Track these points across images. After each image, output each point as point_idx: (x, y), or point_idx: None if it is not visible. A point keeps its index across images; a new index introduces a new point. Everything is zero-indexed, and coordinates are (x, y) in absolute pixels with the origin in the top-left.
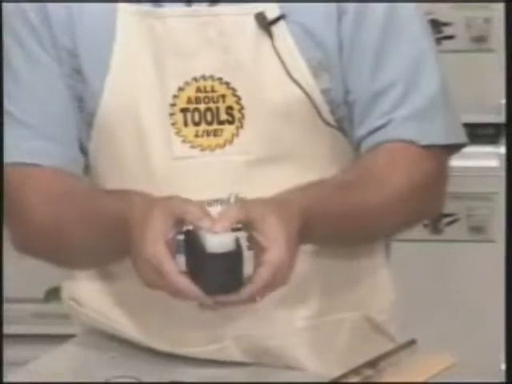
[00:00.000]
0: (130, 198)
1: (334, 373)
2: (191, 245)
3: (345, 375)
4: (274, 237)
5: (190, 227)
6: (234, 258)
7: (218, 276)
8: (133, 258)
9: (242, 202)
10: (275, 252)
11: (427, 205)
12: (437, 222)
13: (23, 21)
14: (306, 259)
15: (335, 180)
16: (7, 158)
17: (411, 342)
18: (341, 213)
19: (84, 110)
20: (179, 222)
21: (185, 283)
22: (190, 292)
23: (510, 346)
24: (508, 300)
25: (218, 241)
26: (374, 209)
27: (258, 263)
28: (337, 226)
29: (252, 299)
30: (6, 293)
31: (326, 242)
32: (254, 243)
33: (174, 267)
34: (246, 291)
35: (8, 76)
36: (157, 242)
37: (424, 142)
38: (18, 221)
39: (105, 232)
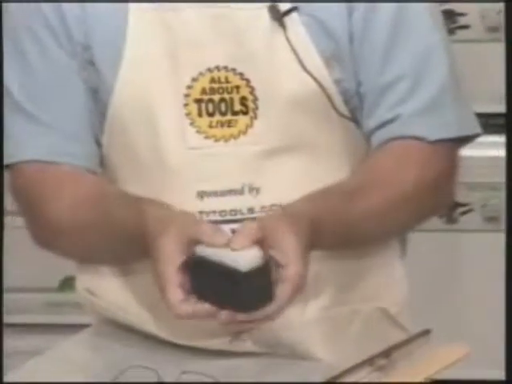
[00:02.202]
0: (147, 212)
1: (347, 363)
2: (204, 268)
3: (358, 365)
4: (292, 253)
5: (200, 253)
6: (264, 272)
7: (251, 292)
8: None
9: (257, 219)
10: (295, 268)
11: (438, 201)
12: (451, 212)
13: (39, 18)
14: (319, 253)
15: (342, 187)
16: (23, 155)
17: (425, 332)
18: (349, 220)
19: (99, 101)
20: (192, 242)
21: (187, 310)
22: (194, 317)
23: (510, 346)
24: (508, 301)
25: (245, 258)
26: (382, 213)
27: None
28: (346, 233)
29: (276, 316)
30: (21, 282)
31: (335, 248)
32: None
33: (179, 294)
34: (271, 309)
35: (24, 72)
36: (167, 264)
37: (433, 137)
38: (38, 219)
39: (121, 241)
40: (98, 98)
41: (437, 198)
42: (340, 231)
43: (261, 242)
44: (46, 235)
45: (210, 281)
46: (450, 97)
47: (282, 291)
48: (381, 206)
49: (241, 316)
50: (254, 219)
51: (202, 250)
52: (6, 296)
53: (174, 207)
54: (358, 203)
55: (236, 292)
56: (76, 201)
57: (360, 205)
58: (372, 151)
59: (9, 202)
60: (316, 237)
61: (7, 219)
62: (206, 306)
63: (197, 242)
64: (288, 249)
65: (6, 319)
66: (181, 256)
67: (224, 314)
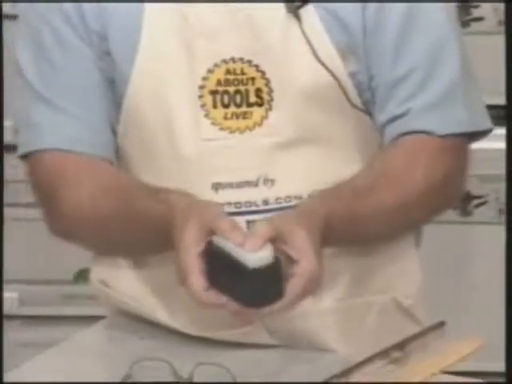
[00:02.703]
0: (170, 200)
1: (362, 355)
2: (218, 259)
3: (372, 357)
4: (304, 249)
5: (216, 243)
6: (274, 270)
7: (262, 289)
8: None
9: (270, 218)
10: (306, 264)
11: (447, 196)
12: (466, 204)
13: (56, 9)
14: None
15: (353, 184)
16: (42, 144)
17: (440, 325)
18: (360, 217)
19: (115, 92)
20: (212, 233)
21: (209, 298)
22: (214, 305)
23: (510, 346)
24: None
25: (256, 256)
26: (393, 211)
27: (287, 275)
28: (357, 230)
29: (284, 311)
30: (36, 275)
31: (346, 245)
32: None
33: (201, 281)
34: (279, 304)
35: (42, 63)
36: (189, 252)
37: (443, 132)
38: (57, 207)
39: (144, 231)
40: (115, 89)
41: (447, 193)
42: (351, 228)
43: (274, 239)
44: (64, 224)
45: (223, 272)
46: (460, 91)
47: (292, 286)
48: (392, 204)
49: (248, 310)
50: (266, 218)
51: (219, 241)
52: (21, 288)
53: (196, 197)
54: (368, 201)
55: (244, 287)
56: (96, 190)
57: (371, 202)
58: (384, 146)
59: (24, 194)
60: (328, 234)
61: (22, 211)
62: (219, 296)
63: (214, 233)
64: (301, 245)
65: (22, 311)
66: (201, 245)
67: (233, 305)
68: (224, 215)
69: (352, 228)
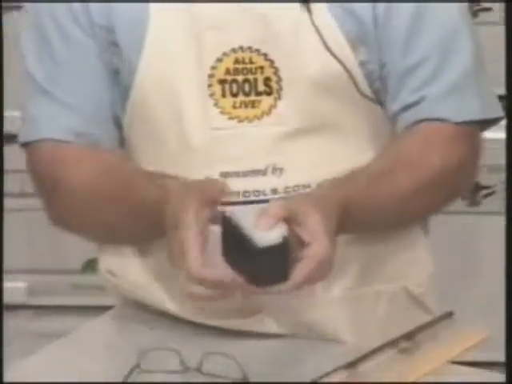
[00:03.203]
0: (166, 184)
1: (371, 345)
2: (230, 235)
3: (381, 347)
4: (317, 232)
5: (228, 214)
6: (281, 251)
7: (267, 269)
8: (167, 240)
9: (285, 198)
10: (317, 247)
11: (461, 183)
12: (474, 194)
13: (63, 5)
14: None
15: (368, 170)
16: (42, 134)
17: (448, 315)
18: (375, 203)
19: (120, 83)
20: (213, 204)
21: (206, 274)
22: (212, 282)
23: (510, 345)
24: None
25: (266, 234)
26: (408, 196)
27: (297, 257)
28: (372, 217)
29: (289, 292)
30: (45, 265)
31: (361, 232)
32: (293, 238)
33: (199, 258)
34: (285, 286)
35: (44, 54)
36: (188, 230)
37: (458, 120)
38: (55, 197)
39: (140, 215)
40: (120, 80)
41: (460, 179)
42: (366, 215)
43: (287, 220)
44: (63, 208)
45: (233, 247)
46: (473, 79)
47: (300, 269)
48: (407, 190)
49: (253, 288)
50: (282, 198)
51: (234, 215)
52: (30, 278)
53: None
54: (384, 187)
55: (250, 265)
56: (96, 172)
57: (386, 188)
58: (397, 134)
59: (30, 183)
60: (342, 220)
61: (31, 201)
62: (226, 270)
63: (216, 203)
64: (314, 227)
65: (31, 301)
66: (201, 222)
67: (237, 280)
68: (224, 186)
69: (368, 214)
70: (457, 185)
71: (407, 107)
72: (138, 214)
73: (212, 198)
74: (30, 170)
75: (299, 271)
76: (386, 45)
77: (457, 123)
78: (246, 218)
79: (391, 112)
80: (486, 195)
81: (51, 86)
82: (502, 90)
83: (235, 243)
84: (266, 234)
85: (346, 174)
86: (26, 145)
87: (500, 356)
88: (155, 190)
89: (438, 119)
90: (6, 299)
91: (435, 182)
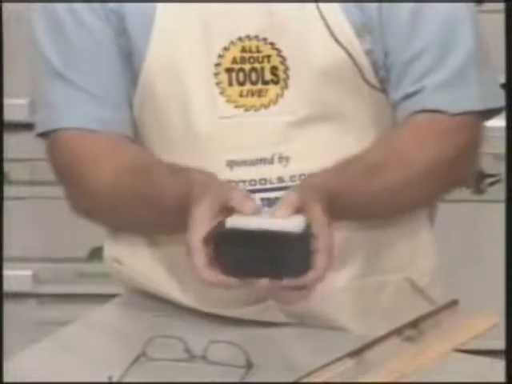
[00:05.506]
0: (191, 176)
1: (376, 334)
2: (235, 239)
3: (386, 336)
4: (322, 223)
5: (231, 225)
6: (306, 239)
7: (291, 259)
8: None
9: (295, 189)
10: (326, 238)
11: (459, 175)
12: (479, 182)
13: None
14: (347, 223)
15: (362, 161)
16: (62, 123)
17: (453, 303)
18: (367, 195)
19: (132, 66)
20: (224, 210)
21: (212, 277)
22: (216, 284)
23: (510, 343)
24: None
25: (293, 223)
26: (401, 188)
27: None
28: (364, 207)
29: (315, 285)
30: (51, 253)
31: (353, 221)
32: None
33: (203, 260)
34: (311, 277)
35: (60, 40)
36: (195, 231)
37: (457, 110)
38: (78, 185)
39: (164, 210)
40: (132, 64)
41: (458, 170)
42: (358, 206)
43: (301, 211)
44: (87, 202)
45: (242, 252)
46: (475, 69)
47: (318, 261)
48: (400, 182)
49: (285, 282)
50: (288, 188)
51: (234, 221)
52: (36, 266)
53: (217, 176)
54: (377, 179)
55: (278, 258)
56: (118, 167)
57: (379, 180)
58: (396, 124)
59: (40, 172)
60: (332, 209)
61: (38, 189)
62: (230, 279)
63: (228, 210)
64: (318, 218)
65: (36, 289)
66: (209, 224)
67: (265, 282)
68: (236, 188)
69: (359, 205)
70: (454, 176)
71: (407, 97)
72: (162, 208)
73: (222, 203)
74: (50, 160)
75: (317, 264)
76: (390, 34)
77: (454, 114)
78: (248, 220)
79: (393, 101)
80: (491, 183)
81: (68, 72)
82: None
83: (242, 248)
84: (292, 223)
85: (339, 163)
86: (44, 134)
87: (502, 344)
88: (179, 184)
89: (435, 110)
90: (12, 287)
91: (429, 174)
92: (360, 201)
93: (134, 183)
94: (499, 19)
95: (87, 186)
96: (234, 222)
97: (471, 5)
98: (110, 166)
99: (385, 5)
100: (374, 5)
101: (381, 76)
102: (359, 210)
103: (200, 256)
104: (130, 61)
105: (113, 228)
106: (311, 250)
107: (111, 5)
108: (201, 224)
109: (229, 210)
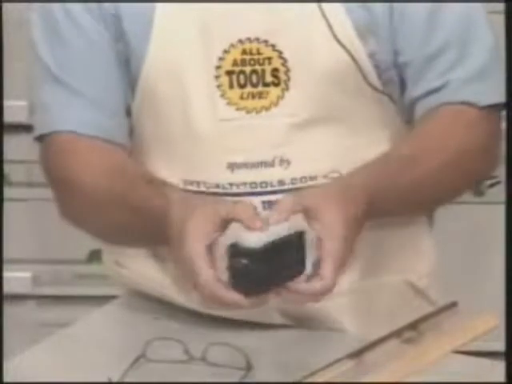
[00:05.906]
0: (169, 194)
1: (375, 335)
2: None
3: (386, 337)
4: (331, 227)
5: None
6: (292, 242)
7: (283, 263)
8: (172, 254)
9: (300, 191)
10: (330, 244)
11: (487, 165)
12: (479, 184)
13: None
14: None
15: (395, 153)
16: (56, 126)
17: (452, 305)
18: (403, 188)
19: (130, 71)
20: (225, 223)
21: (221, 290)
22: (227, 299)
23: (510, 345)
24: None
25: (275, 229)
26: (435, 179)
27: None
28: (400, 201)
29: (325, 293)
30: (51, 254)
31: (388, 217)
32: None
33: (212, 273)
34: (317, 288)
35: (58, 45)
36: (196, 243)
37: (483, 103)
38: (67, 190)
39: (141, 219)
40: (130, 69)
41: (486, 161)
42: (395, 200)
43: (306, 212)
44: (74, 207)
45: (249, 268)
46: (496, 63)
47: (324, 269)
48: (434, 173)
49: (293, 295)
50: (288, 192)
51: (235, 236)
52: (35, 268)
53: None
54: (411, 171)
55: (266, 264)
56: (101, 171)
57: (414, 172)
58: (420, 118)
59: (38, 174)
60: (371, 207)
61: (36, 191)
62: (243, 298)
63: (229, 221)
64: (326, 222)
65: (35, 291)
66: (211, 237)
67: (284, 292)
68: (241, 202)
69: (396, 199)
70: (482, 166)
71: (431, 92)
72: (140, 217)
73: (224, 215)
74: (42, 165)
75: (325, 269)
76: (403, 32)
77: (481, 107)
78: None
79: (411, 98)
80: (491, 185)
81: (64, 75)
82: None
83: (250, 267)
84: (275, 228)
85: (373, 160)
86: (39, 138)
87: (502, 346)
88: (159, 199)
89: (462, 102)
90: (11, 289)
91: (460, 164)
92: (397, 194)
93: (117, 185)
94: (499, 19)
95: (73, 190)
96: (235, 236)
97: (483, 4)
98: (99, 166)
99: (396, 4)
100: (380, 5)
101: (384, 78)
102: (396, 205)
103: (208, 270)
104: (128, 67)
105: (98, 236)
106: (304, 252)
107: (109, 7)
108: (202, 237)
109: (222, 224)
